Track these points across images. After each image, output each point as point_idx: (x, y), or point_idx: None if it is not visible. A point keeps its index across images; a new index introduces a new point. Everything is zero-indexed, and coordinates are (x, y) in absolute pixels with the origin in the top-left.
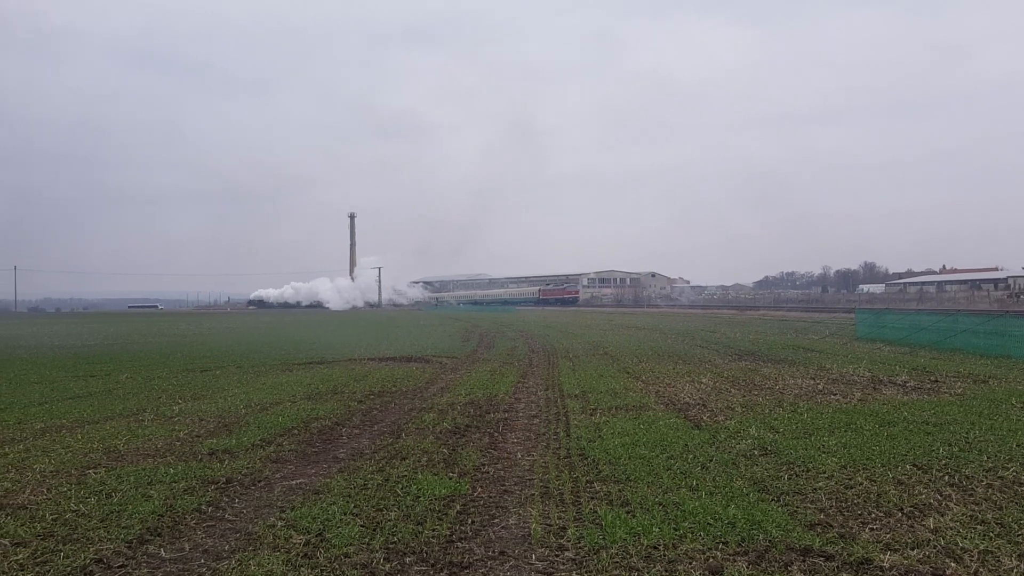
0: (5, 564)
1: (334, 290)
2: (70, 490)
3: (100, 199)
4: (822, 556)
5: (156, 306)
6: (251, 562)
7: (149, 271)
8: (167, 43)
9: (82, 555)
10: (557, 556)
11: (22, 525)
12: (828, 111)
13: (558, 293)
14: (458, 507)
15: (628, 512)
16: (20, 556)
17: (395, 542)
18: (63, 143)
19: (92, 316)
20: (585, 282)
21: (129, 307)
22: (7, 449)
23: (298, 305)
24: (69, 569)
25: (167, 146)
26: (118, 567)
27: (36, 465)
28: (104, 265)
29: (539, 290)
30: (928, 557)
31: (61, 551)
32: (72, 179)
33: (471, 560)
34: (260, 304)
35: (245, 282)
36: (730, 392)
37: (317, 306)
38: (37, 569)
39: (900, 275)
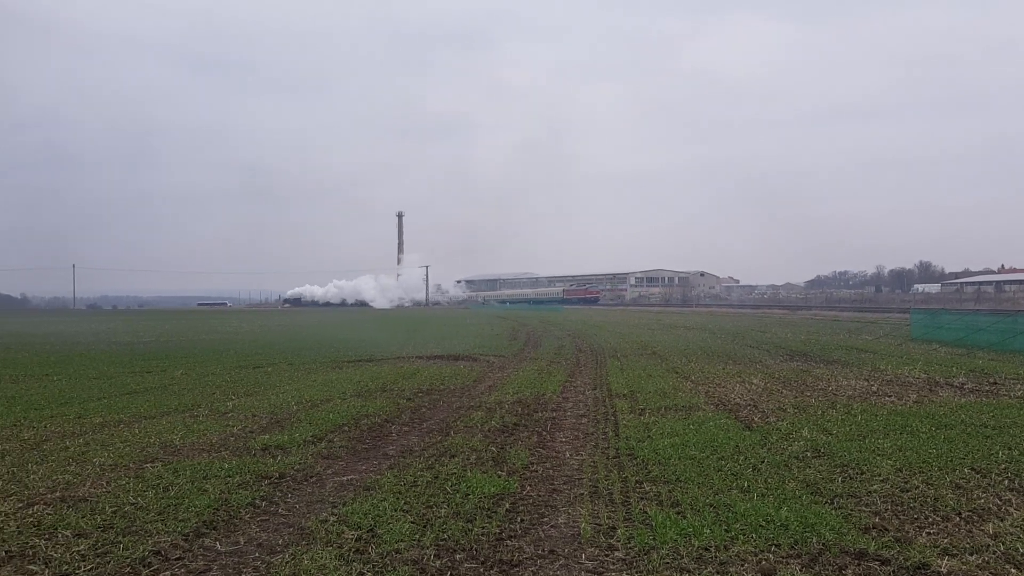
0: (67, 555)
1: (378, 288)
2: (128, 483)
3: (151, 199)
4: (877, 560)
5: (225, 303)
6: (304, 556)
7: (197, 269)
8: (212, 46)
9: (140, 547)
10: (607, 556)
11: (83, 517)
12: (879, 106)
13: (580, 293)
14: (507, 505)
15: (679, 513)
16: (81, 547)
17: (445, 539)
18: (116, 144)
19: (147, 313)
20: (632, 281)
21: (199, 304)
22: (68, 443)
23: (343, 304)
24: (128, 560)
25: (214, 147)
26: (175, 559)
27: (95, 459)
28: (157, 263)
29: (563, 290)
30: (987, 563)
31: (120, 543)
32: (123, 180)
33: (521, 558)
34: (296, 302)
35: (285, 281)
36: (781, 393)
37: (361, 304)
38: (98, 560)
39: (956, 275)
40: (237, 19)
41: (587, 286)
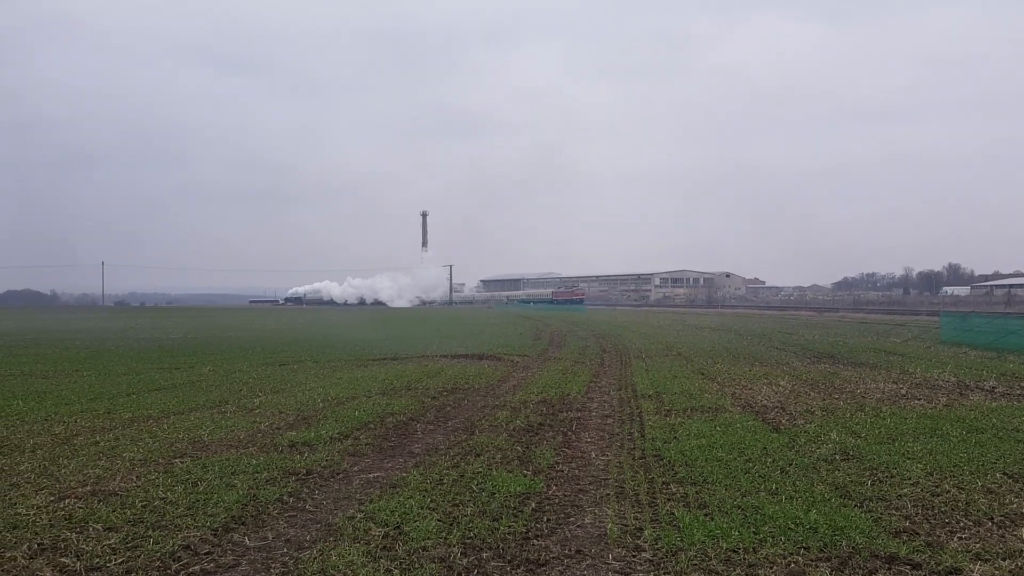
0: (98, 548)
1: (395, 288)
2: (158, 478)
3: (178, 197)
4: (908, 564)
5: (277, 301)
6: (332, 553)
7: (222, 267)
8: (241, 47)
9: (170, 541)
10: (634, 557)
11: (113, 511)
12: (907, 107)
13: (567, 295)
14: (533, 505)
15: (706, 514)
16: (112, 540)
17: (471, 537)
18: (145, 143)
19: (175, 310)
20: (657, 282)
21: (251, 302)
22: (98, 438)
23: (362, 303)
24: (158, 554)
25: (237, 146)
26: (204, 554)
27: (125, 453)
28: (186, 261)
29: (552, 292)
30: (1020, 568)
31: (150, 537)
32: (150, 178)
33: (548, 558)
34: (296, 302)
35: (302, 279)
36: (809, 395)
37: (377, 304)
38: (128, 554)
39: (986, 277)
40: (259, 21)
41: (572, 288)
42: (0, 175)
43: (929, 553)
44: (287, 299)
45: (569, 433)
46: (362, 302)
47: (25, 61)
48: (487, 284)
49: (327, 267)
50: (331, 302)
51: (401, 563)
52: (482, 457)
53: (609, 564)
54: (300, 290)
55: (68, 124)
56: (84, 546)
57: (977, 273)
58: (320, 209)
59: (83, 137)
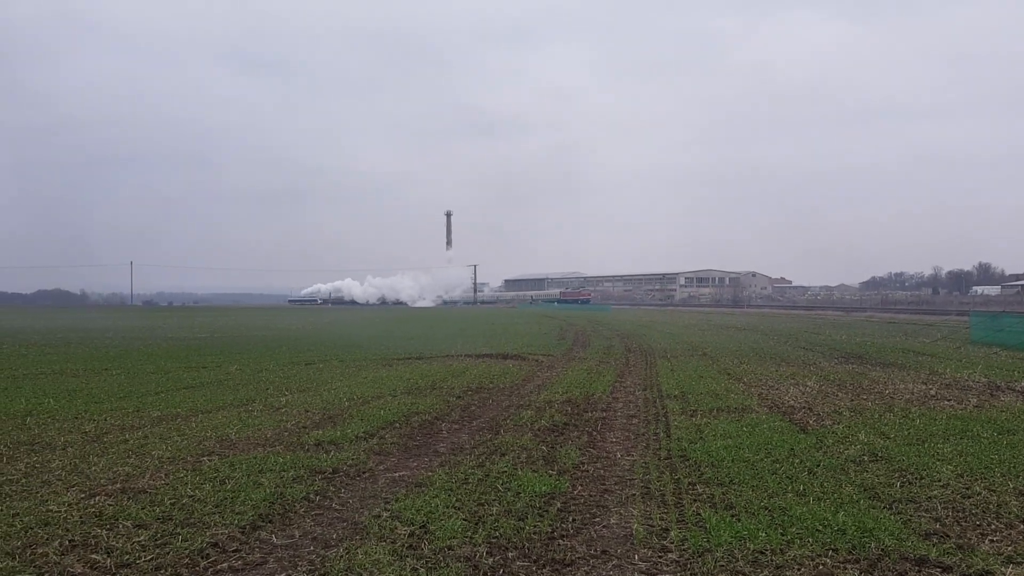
0: (128, 545)
1: (416, 287)
2: (186, 476)
3: (204, 197)
4: (939, 567)
5: (316, 301)
6: (358, 551)
7: (248, 267)
8: (264, 48)
9: (199, 538)
10: (660, 557)
11: (143, 508)
12: (936, 106)
13: (573, 295)
14: (558, 504)
15: (733, 515)
16: (142, 537)
17: (497, 537)
18: (174, 144)
19: (201, 310)
20: (682, 281)
21: (289, 301)
22: (127, 436)
23: (383, 302)
24: (187, 551)
25: (261, 147)
26: (232, 551)
27: (154, 451)
28: (214, 261)
29: (560, 292)
30: None
31: (179, 534)
32: (177, 179)
33: (573, 558)
34: (300, 303)
35: (324, 277)
36: (837, 396)
37: (397, 303)
38: (157, 551)
39: (1017, 276)
40: (282, 23)
41: (579, 289)
42: (32, 177)
43: (960, 556)
44: (290, 301)
45: (594, 433)
46: (383, 302)
47: (54, 64)
48: (510, 284)
49: (349, 267)
50: (352, 302)
51: (427, 562)
52: (507, 457)
53: (635, 564)
54: (323, 288)
55: (96, 126)
56: (114, 543)
57: (1008, 272)
58: (343, 209)
59: (110, 139)
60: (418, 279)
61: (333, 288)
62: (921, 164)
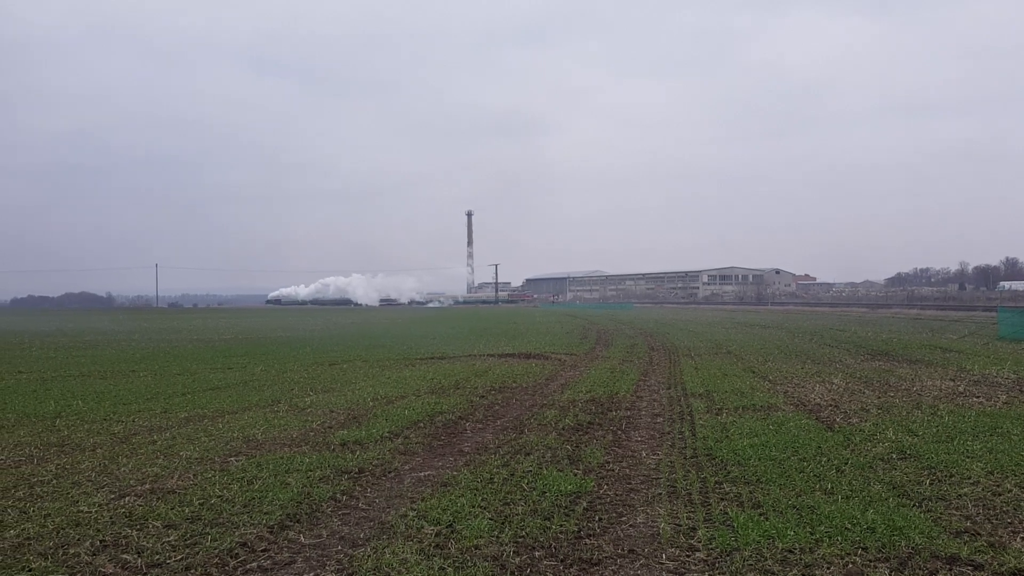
0: (158, 545)
1: (420, 285)
2: (214, 476)
3: (226, 199)
4: (970, 565)
5: (350, 302)
6: (386, 550)
7: (272, 267)
8: (284, 50)
9: (227, 538)
10: (688, 557)
11: (172, 508)
12: (956, 101)
13: (519, 296)
14: (584, 504)
15: (761, 514)
16: (171, 537)
17: (523, 536)
18: (193, 147)
19: (225, 311)
20: (704, 279)
21: (266, 301)
22: (155, 437)
23: (389, 302)
24: (216, 551)
25: (283, 149)
26: (261, 551)
27: (182, 452)
28: (236, 262)
29: (508, 294)
30: None
31: (208, 534)
32: (200, 180)
33: (600, 557)
34: (276, 302)
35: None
36: (863, 393)
37: (389, 303)
38: (187, 551)
39: None
40: (302, 25)
41: (524, 292)
42: (61, 180)
43: (991, 554)
44: (268, 301)
45: (619, 432)
46: (389, 302)
47: (82, 70)
48: (531, 283)
49: (368, 267)
50: (347, 302)
51: (454, 561)
52: (532, 456)
53: (663, 564)
54: (331, 287)
55: (121, 130)
56: (144, 543)
57: None
58: (364, 209)
59: (136, 142)
60: (422, 278)
61: (336, 287)
62: (944, 159)
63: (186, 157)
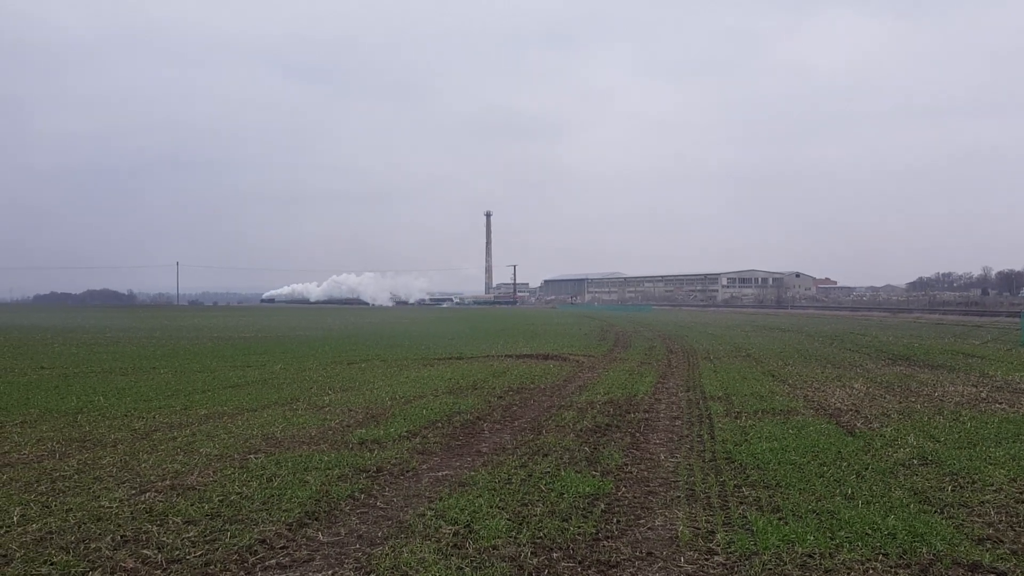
0: (178, 540)
1: (430, 285)
2: (234, 473)
3: (246, 199)
4: (993, 573)
5: (366, 303)
6: (404, 549)
7: (295, 267)
8: (310, 53)
9: (247, 535)
10: (707, 560)
11: (192, 505)
12: (979, 104)
13: (504, 298)
14: (602, 506)
15: (780, 518)
16: (191, 533)
17: (541, 537)
18: (215, 148)
19: (245, 310)
20: (724, 282)
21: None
22: (175, 434)
23: (399, 302)
24: (236, 548)
25: (307, 150)
26: (280, 548)
27: (202, 449)
28: (257, 261)
29: (494, 296)
30: None
31: (228, 531)
32: (222, 181)
33: (619, 559)
34: (270, 301)
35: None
36: (884, 398)
37: (400, 303)
38: (207, 547)
39: None
40: (327, 28)
41: (509, 292)
42: (85, 181)
43: (1014, 561)
44: (262, 300)
45: (637, 434)
46: (402, 302)
47: (105, 72)
48: (549, 285)
49: (384, 267)
50: (358, 301)
51: (472, 561)
52: (550, 457)
53: (681, 567)
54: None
55: (144, 131)
56: (165, 538)
57: None
58: (381, 210)
59: (157, 143)
60: (433, 278)
61: (348, 288)
62: (968, 163)
63: (208, 158)
